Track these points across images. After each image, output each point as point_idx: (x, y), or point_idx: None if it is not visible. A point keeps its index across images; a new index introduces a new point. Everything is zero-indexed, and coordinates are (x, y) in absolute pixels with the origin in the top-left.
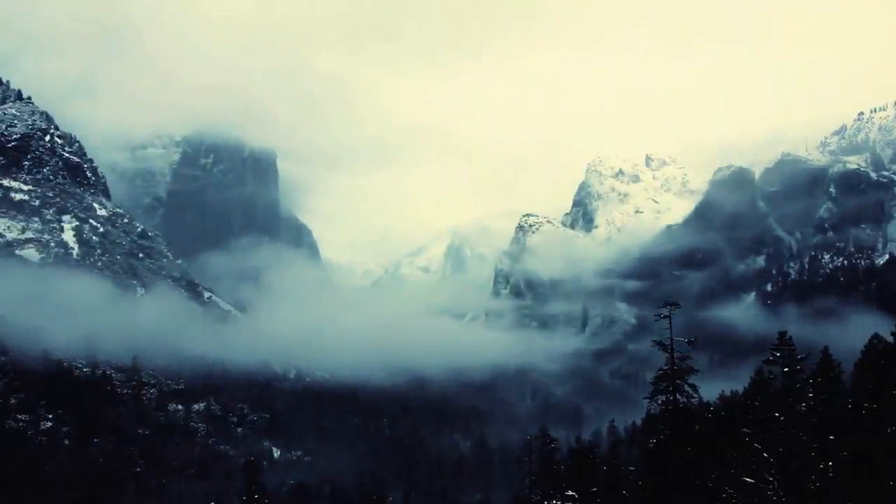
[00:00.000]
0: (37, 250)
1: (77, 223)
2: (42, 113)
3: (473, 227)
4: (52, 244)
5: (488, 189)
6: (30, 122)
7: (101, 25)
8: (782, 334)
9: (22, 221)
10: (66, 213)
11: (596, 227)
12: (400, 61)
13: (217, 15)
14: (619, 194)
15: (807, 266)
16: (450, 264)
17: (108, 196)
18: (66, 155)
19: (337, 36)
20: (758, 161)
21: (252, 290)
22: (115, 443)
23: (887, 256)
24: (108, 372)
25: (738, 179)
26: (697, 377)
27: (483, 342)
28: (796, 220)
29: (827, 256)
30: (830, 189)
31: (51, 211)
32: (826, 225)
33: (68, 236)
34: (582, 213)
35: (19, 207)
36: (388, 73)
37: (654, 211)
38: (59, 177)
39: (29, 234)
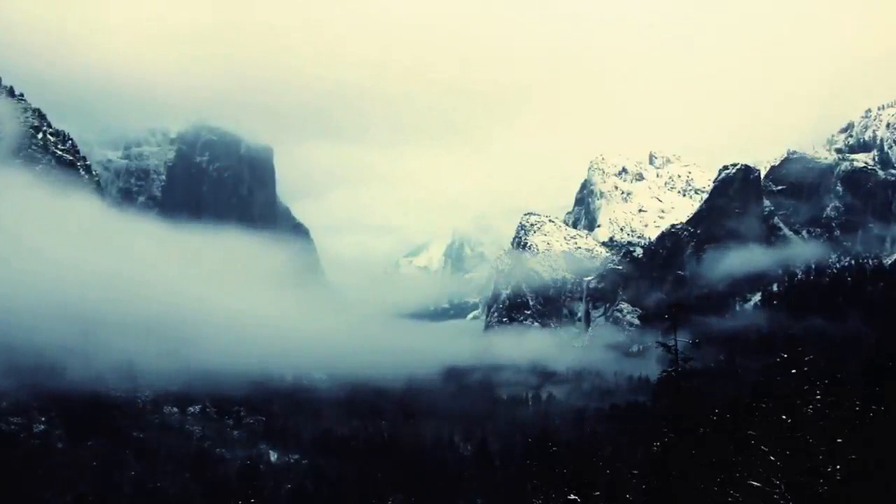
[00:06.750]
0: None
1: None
2: (35, 110)
3: (474, 226)
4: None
5: (489, 188)
6: (22, 120)
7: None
8: (790, 336)
9: None
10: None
11: (598, 226)
12: None
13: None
14: (622, 193)
15: (813, 266)
16: (450, 264)
17: (102, 194)
18: (59, 153)
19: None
20: (763, 159)
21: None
22: (109, 445)
23: (895, 256)
24: (103, 373)
25: (743, 177)
26: (702, 379)
27: (483, 342)
28: (802, 218)
29: (834, 256)
30: (837, 187)
31: None
32: (833, 224)
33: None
34: (584, 212)
35: None
36: None
37: (657, 210)
38: (52, 175)
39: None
